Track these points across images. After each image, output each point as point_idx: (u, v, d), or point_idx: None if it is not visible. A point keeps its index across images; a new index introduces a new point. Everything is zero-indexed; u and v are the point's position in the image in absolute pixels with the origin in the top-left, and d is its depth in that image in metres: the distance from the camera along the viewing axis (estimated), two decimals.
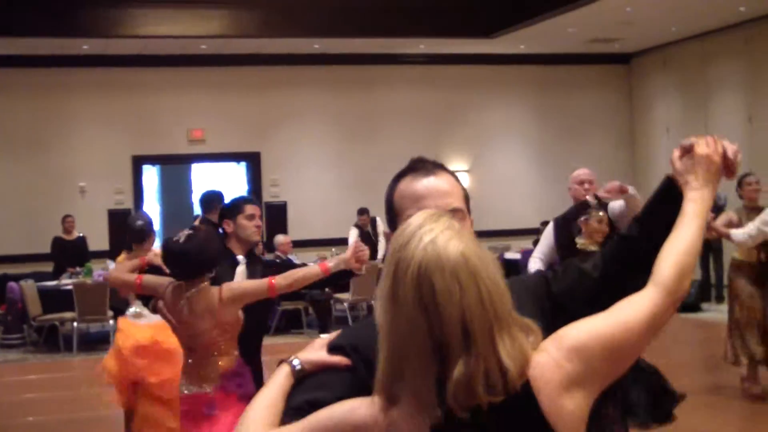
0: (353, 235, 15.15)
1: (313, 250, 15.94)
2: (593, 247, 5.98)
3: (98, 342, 13.36)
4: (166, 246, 4.65)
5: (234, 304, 4.46)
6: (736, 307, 8.34)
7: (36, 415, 9.01)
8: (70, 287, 12.77)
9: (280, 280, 4.55)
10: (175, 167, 19.04)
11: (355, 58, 17.81)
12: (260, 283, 4.59)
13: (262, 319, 5.33)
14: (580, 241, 6.11)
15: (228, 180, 18.17)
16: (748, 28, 15.97)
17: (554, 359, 1.80)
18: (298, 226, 17.30)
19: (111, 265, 13.78)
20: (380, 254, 14.78)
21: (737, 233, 7.89)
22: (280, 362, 2.07)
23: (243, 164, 18.01)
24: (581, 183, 6.79)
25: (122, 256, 7.19)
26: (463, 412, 1.74)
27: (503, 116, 19.00)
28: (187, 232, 4.50)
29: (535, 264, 6.67)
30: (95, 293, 12.57)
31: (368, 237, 15.11)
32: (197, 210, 17.93)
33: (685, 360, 10.60)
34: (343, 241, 15.15)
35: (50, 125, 16.60)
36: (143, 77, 17.05)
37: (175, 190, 19.43)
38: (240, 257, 5.17)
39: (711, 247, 14.12)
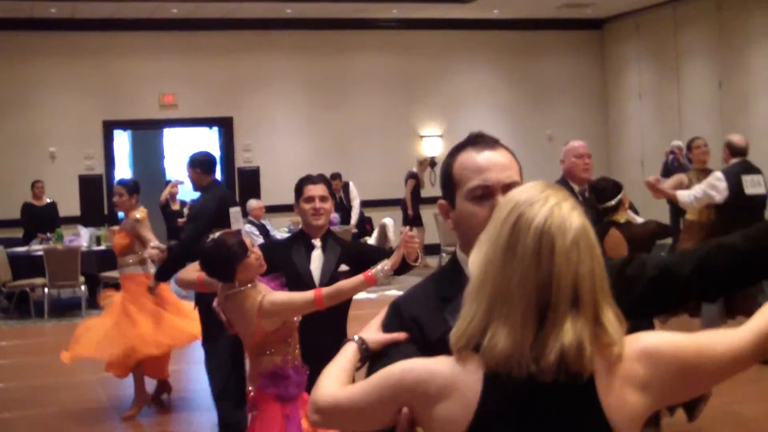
0: None
1: (286, 215, 15.89)
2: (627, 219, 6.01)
3: (69, 308, 13.31)
4: None
5: (274, 317, 4.15)
6: None
7: (7, 381, 8.98)
8: (40, 253, 12.70)
9: (326, 296, 4.13)
10: (147, 132, 18.92)
11: (327, 22, 17.71)
12: (305, 297, 4.16)
13: (339, 315, 4.62)
14: (625, 217, 6.00)
15: (200, 145, 18.05)
16: None
17: (625, 354, 1.84)
18: (271, 191, 17.25)
19: (82, 230, 13.73)
20: (354, 219, 14.75)
21: (683, 194, 8.09)
22: (346, 340, 2.16)
23: (215, 129, 17.92)
24: (580, 157, 6.38)
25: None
26: (551, 375, 1.78)
27: (477, 81, 18.98)
28: (217, 233, 4.25)
29: None
30: (66, 259, 12.51)
31: (340, 202, 15.05)
32: (169, 175, 17.91)
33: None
34: None
35: (19, 90, 16.42)
36: (113, 41, 16.89)
37: (146, 155, 19.32)
38: (315, 241, 4.79)
39: (681, 213, 14.21)
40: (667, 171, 14.08)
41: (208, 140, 17.96)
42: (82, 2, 15.34)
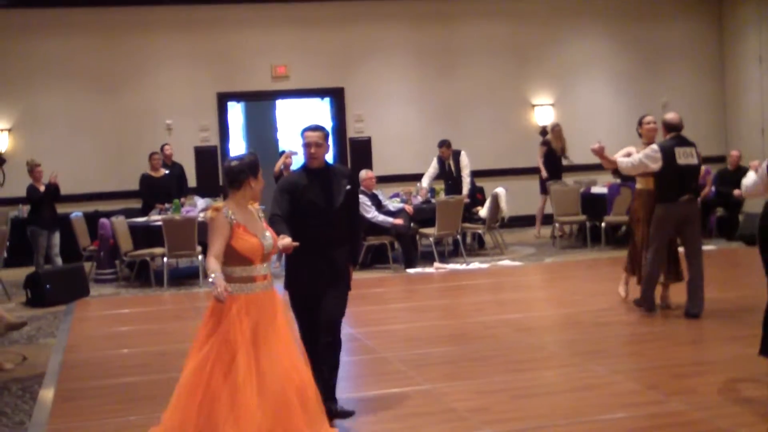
0: (433, 166, 15.07)
1: (397, 185, 15.98)
2: None
3: (187, 277, 13.63)
4: None
5: None
6: (635, 230, 9.85)
7: (130, 347, 9.25)
8: (159, 223, 13.01)
9: None
10: (260, 104, 19.15)
11: None
12: None
13: None
14: None
15: (312, 116, 18.21)
16: None
17: None
18: (383, 161, 17.34)
19: (199, 201, 14.01)
20: (465, 190, 14.70)
21: (622, 161, 9.39)
22: None
23: (327, 100, 18.04)
24: None
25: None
26: None
27: (588, 48, 18.69)
28: None
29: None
30: (184, 229, 12.79)
31: (449, 171, 14.97)
32: (282, 146, 18.12)
33: None
34: None
35: (135, 64, 16.82)
36: (226, 14, 17.14)
37: (259, 126, 19.57)
38: None
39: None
40: None
41: (321, 111, 18.11)
42: None
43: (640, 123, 9.92)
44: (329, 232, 6.12)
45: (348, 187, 6.25)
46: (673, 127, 9.35)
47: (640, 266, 9.71)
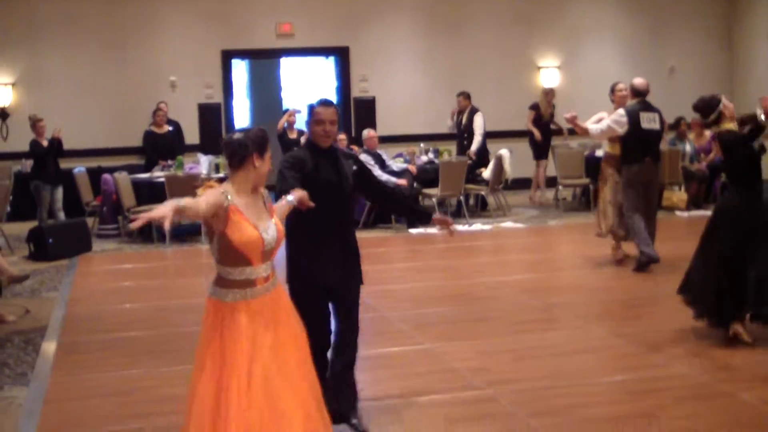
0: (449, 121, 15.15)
1: (402, 145, 15.92)
2: None
3: (190, 234, 13.63)
4: None
5: None
6: (605, 189, 10.18)
7: (132, 302, 9.27)
8: (162, 180, 12.99)
9: None
10: (264, 62, 19.07)
11: None
12: None
13: None
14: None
15: (317, 75, 18.17)
16: None
17: None
18: (387, 122, 17.28)
19: (202, 158, 13.98)
20: (474, 147, 14.68)
21: (593, 127, 9.88)
22: None
23: (332, 59, 17.95)
24: None
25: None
26: None
27: (597, 11, 18.57)
28: None
29: None
30: (186, 186, 12.71)
31: (459, 123, 14.96)
32: (287, 104, 18.06)
33: None
34: (431, 137, 15.07)
35: (140, 20, 16.71)
36: None
37: (264, 84, 19.50)
38: None
39: None
40: None
41: (325, 70, 18.03)
42: None
43: (612, 90, 10.39)
44: (343, 215, 5.66)
45: (354, 167, 5.67)
46: (638, 93, 9.79)
47: (607, 224, 10.14)
